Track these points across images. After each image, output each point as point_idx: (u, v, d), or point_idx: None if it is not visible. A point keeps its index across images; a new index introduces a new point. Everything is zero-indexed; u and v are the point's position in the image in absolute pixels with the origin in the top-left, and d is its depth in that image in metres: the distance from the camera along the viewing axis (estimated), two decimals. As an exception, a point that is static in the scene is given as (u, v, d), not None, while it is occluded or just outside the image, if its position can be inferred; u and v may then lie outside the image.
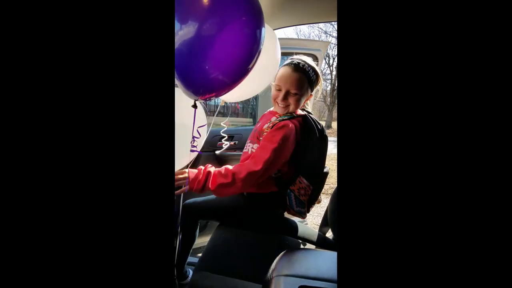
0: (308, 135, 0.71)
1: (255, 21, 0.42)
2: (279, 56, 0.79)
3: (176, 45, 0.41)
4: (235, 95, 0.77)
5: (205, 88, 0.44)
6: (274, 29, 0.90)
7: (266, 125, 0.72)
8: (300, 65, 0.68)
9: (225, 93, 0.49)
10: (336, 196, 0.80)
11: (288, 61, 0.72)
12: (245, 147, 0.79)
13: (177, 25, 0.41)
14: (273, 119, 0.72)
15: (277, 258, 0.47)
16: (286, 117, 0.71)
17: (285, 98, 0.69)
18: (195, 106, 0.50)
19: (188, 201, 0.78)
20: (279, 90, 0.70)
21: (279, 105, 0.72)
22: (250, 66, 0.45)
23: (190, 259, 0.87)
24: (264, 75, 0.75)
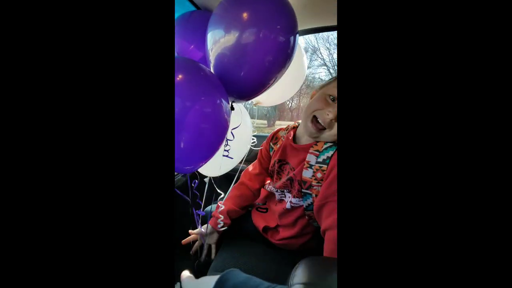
0: None
1: (290, 29, 0.45)
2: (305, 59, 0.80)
3: (217, 51, 0.45)
4: (272, 100, 0.77)
5: (241, 92, 0.46)
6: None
7: (308, 173, 0.55)
8: None
9: (258, 96, 0.50)
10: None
11: None
12: (277, 195, 0.67)
13: (218, 34, 0.45)
14: (312, 159, 0.54)
15: (298, 264, 0.45)
16: (332, 150, 0.52)
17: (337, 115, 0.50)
18: (232, 108, 0.52)
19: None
20: (333, 100, 0.51)
21: (319, 123, 0.53)
22: (283, 71, 0.46)
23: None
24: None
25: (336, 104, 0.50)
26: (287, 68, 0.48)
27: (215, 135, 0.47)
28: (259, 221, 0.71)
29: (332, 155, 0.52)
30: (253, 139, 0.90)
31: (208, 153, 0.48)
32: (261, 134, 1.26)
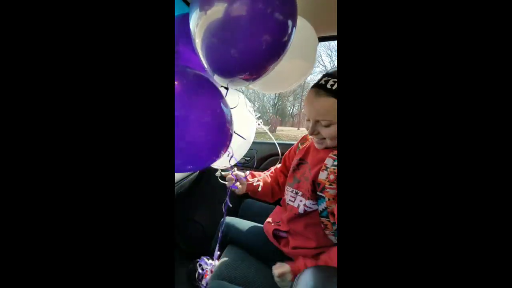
0: None
1: (287, 7, 0.38)
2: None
3: (204, 26, 0.38)
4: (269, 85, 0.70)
5: (236, 69, 0.42)
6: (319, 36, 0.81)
7: (323, 175, 0.56)
8: (329, 84, 0.51)
9: (258, 78, 0.45)
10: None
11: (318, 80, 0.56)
12: (287, 195, 0.67)
13: (204, 8, 0.37)
14: (329, 162, 0.56)
15: (301, 273, 0.45)
16: None
17: (314, 131, 0.56)
18: (226, 88, 0.52)
19: None
20: (308, 120, 0.57)
21: (313, 140, 0.61)
22: (282, 52, 0.42)
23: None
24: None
25: (310, 122, 0.56)
26: (286, 52, 0.42)
27: (220, 132, 0.47)
28: (273, 216, 0.73)
29: None
30: (258, 121, 0.81)
31: (217, 151, 0.48)
32: (263, 141, 1.23)
